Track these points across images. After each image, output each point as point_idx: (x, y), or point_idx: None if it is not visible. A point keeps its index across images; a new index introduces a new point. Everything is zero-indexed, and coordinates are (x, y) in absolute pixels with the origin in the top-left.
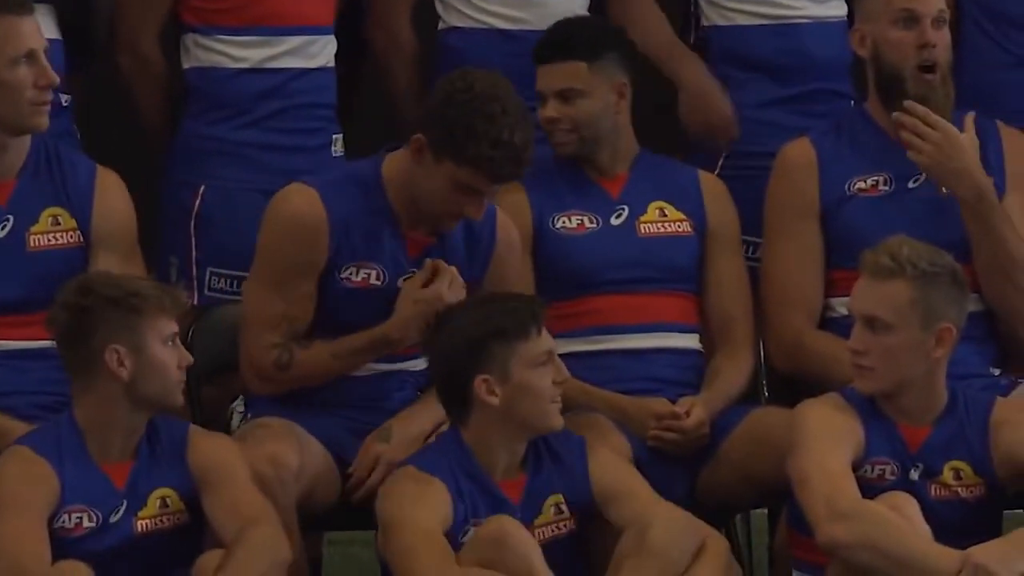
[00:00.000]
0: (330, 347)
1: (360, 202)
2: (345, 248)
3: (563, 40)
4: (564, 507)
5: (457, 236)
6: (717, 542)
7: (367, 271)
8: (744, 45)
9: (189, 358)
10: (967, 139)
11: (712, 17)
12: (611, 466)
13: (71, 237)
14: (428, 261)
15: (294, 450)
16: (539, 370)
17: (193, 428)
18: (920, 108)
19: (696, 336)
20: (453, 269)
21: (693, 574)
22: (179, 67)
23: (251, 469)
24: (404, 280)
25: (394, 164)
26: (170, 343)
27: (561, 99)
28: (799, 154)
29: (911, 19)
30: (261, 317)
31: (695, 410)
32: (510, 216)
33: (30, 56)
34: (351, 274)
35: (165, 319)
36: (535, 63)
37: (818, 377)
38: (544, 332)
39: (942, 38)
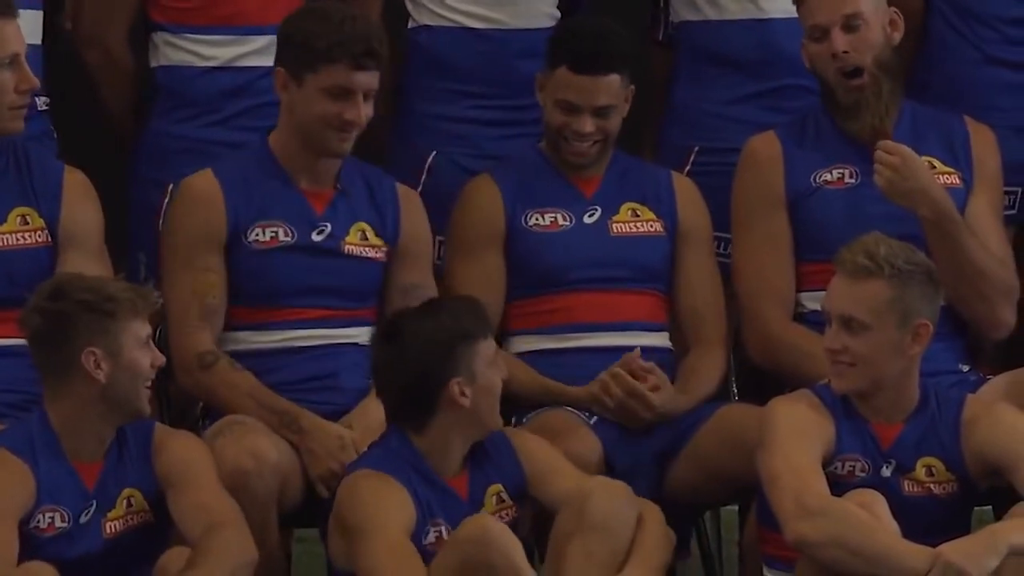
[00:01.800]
0: (250, 386)
1: (254, 169)
2: (245, 211)
3: (607, 52)
4: (505, 496)
5: (358, 187)
6: (653, 511)
7: (273, 229)
8: (715, 41)
9: (162, 358)
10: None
11: (682, 13)
12: (536, 449)
13: (39, 237)
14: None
15: (273, 444)
16: (493, 369)
17: (159, 427)
18: (880, 141)
19: (666, 334)
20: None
21: (638, 544)
22: (146, 65)
23: (231, 463)
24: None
25: (275, 129)
26: (144, 344)
27: (598, 114)
28: (765, 146)
29: (820, 32)
30: (176, 304)
31: (660, 393)
32: (483, 210)
33: (13, 60)
34: (258, 235)
35: (139, 321)
36: (570, 70)
37: (792, 371)
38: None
39: (862, 39)
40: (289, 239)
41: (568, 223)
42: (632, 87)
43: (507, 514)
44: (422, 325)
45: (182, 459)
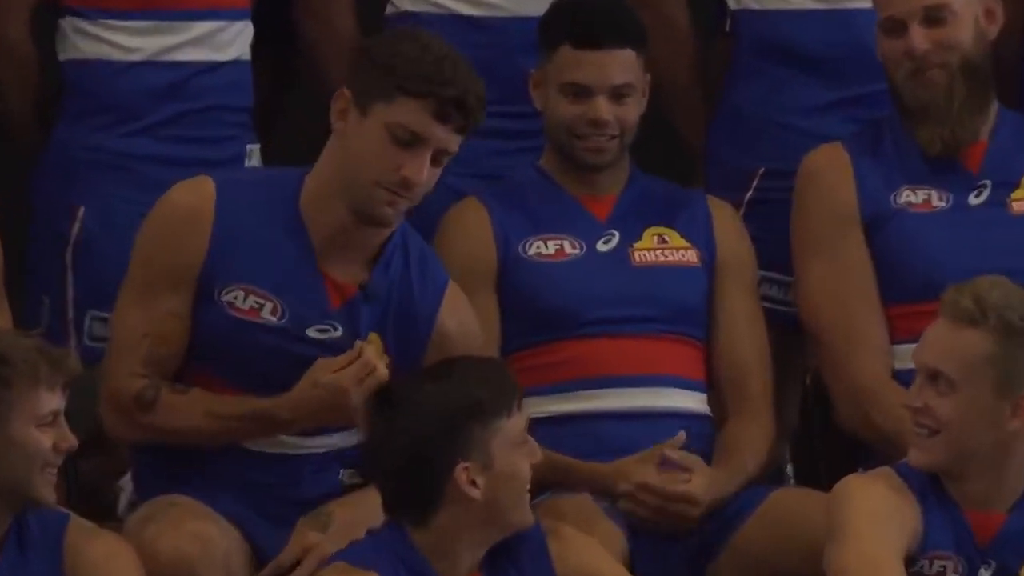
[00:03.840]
0: (206, 402)
1: (266, 208)
2: (231, 260)
3: (617, 22)
4: None
5: (390, 297)
6: None
7: (259, 300)
8: (785, 35)
9: (72, 441)
10: None
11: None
12: (579, 555)
13: None
14: (357, 343)
15: (220, 529)
16: (520, 452)
17: (74, 523)
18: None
19: (704, 396)
20: (376, 362)
21: None
22: (52, 59)
23: (171, 552)
24: (317, 330)
25: (317, 168)
26: (48, 421)
27: (613, 96)
28: (830, 161)
29: (896, 25)
30: (122, 339)
31: (696, 479)
32: (467, 241)
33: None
34: (235, 298)
35: (41, 393)
36: (575, 47)
37: (892, 441)
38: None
39: (944, 34)
40: (275, 319)
41: (578, 251)
42: (649, 77)
43: None
44: (425, 393)
45: (99, 567)
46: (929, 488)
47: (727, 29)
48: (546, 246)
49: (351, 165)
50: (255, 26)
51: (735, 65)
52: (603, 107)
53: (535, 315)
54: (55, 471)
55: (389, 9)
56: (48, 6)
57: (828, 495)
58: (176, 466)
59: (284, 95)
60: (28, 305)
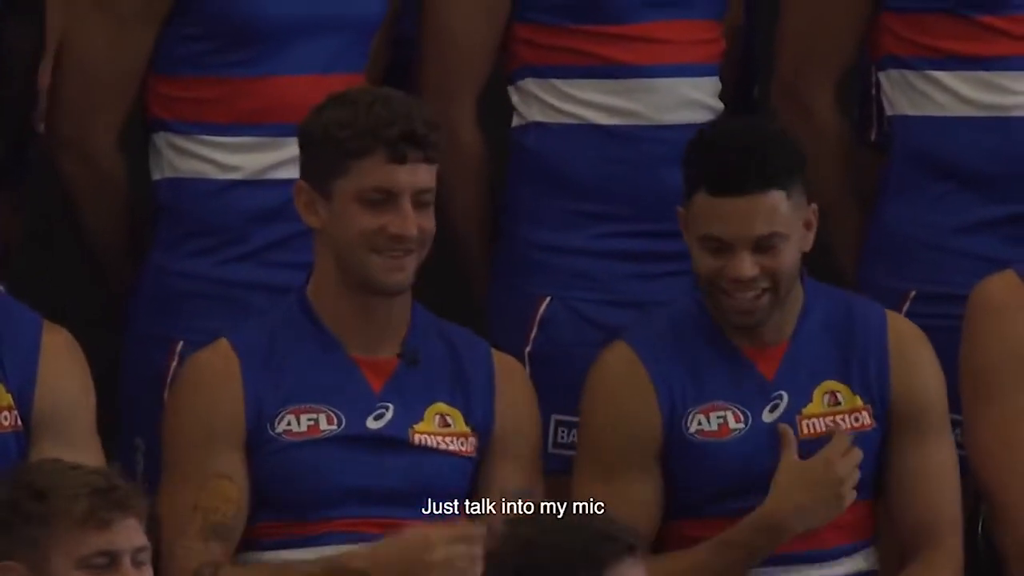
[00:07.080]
0: (269, 571)
1: (284, 333)
2: (271, 392)
3: (755, 160)
4: None
5: (435, 358)
6: None
7: (313, 415)
8: (944, 144)
9: None
10: None
11: (899, 104)
12: None
13: (6, 420)
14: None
15: None
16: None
17: None
18: None
19: (871, 551)
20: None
21: None
22: (145, 178)
23: None
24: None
25: (314, 271)
26: (98, 564)
27: (759, 248)
28: (1004, 292)
29: None
30: (175, 521)
31: None
32: (629, 412)
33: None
34: (290, 424)
35: (86, 532)
36: (711, 193)
37: None
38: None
39: None
40: (334, 427)
41: (742, 425)
42: (814, 207)
43: None
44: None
45: None
46: None
47: (871, 139)
48: (709, 421)
49: (342, 249)
50: None
51: (887, 178)
52: (746, 264)
53: (697, 495)
54: None
55: (516, 120)
56: (139, 121)
57: None
58: None
59: None
60: (120, 449)
